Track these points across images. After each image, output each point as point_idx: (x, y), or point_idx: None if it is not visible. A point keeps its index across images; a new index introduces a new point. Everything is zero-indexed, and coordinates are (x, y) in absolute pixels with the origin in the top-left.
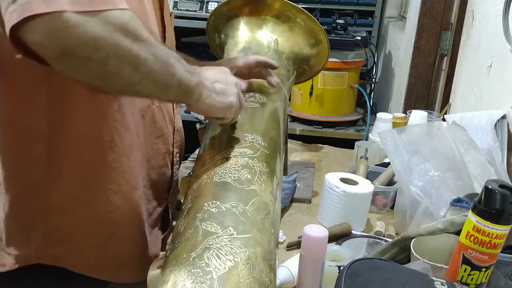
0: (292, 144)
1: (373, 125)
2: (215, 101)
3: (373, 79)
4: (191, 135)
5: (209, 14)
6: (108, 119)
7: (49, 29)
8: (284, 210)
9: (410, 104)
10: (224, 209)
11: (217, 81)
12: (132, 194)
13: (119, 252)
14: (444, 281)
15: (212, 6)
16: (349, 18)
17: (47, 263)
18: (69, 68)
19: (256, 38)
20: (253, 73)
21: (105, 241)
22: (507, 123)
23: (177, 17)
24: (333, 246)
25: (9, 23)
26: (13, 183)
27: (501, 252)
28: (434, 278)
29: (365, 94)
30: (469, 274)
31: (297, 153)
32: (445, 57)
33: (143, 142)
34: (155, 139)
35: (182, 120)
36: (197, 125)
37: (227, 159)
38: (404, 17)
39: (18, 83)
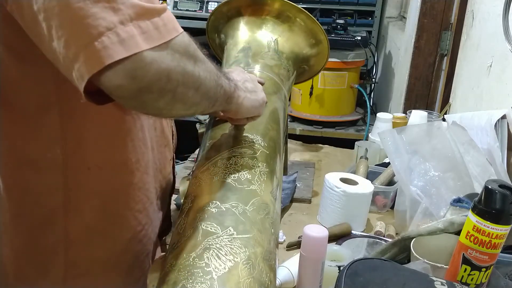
0: (292, 144)
1: (373, 125)
2: (251, 100)
3: (373, 79)
4: (191, 135)
5: (209, 14)
6: (134, 139)
7: (129, 70)
8: (284, 210)
9: (410, 104)
10: (224, 209)
11: (246, 80)
12: (150, 208)
13: (145, 272)
14: (444, 281)
15: (212, 6)
16: (349, 18)
17: None
18: (141, 104)
19: (256, 38)
20: None
21: (131, 265)
22: (507, 123)
23: (177, 17)
24: (333, 246)
25: (86, 72)
26: (25, 218)
27: (501, 252)
28: (434, 278)
29: (365, 94)
30: (469, 274)
31: (297, 153)
32: (445, 57)
33: (156, 154)
34: (163, 149)
35: (182, 121)
36: (197, 125)
37: (227, 159)
38: (404, 17)
39: (24, 113)
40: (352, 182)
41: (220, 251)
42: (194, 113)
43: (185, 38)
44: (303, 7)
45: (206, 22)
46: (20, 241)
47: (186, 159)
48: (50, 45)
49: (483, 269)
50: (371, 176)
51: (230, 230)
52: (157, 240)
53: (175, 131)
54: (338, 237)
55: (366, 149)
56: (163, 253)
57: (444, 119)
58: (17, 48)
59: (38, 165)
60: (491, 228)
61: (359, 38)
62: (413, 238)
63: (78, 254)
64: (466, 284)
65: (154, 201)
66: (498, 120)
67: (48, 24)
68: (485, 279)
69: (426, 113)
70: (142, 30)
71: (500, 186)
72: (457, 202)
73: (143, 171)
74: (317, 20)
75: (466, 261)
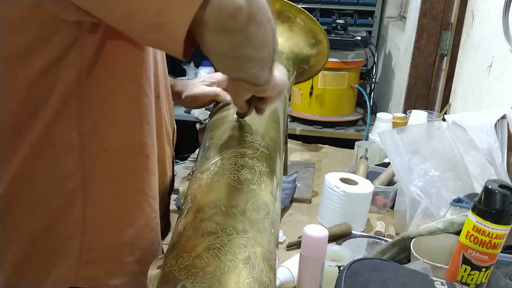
0: (292, 144)
1: (373, 125)
2: (280, 73)
3: (373, 79)
4: (191, 135)
5: None
6: (150, 123)
7: None
8: (284, 210)
9: (410, 104)
10: (224, 209)
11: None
12: (157, 199)
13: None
14: (444, 281)
15: None
16: (349, 18)
17: (83, 287)
18: (243, 40)
19: None
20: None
21: (145, 253)
22: (507, 123)
23: None
24: (333, 246)
25: (188, 11)
26: (45, 202)
27: (501, 252)
28: (434, 278)
29: (365, 94)
30: (469, 274)
31: (297, 153)
32: (445, 57)
33: (159, 148)
34: (164, 144)
35: (182, 121)
36: (197, 125)
37: (227, 159)
38: (404, 17)
39: (44, 97)
40: (352, 182)
41: (220, 251)
42: (257, 58)
43: None
44: (303, 7)
45: None
46: (38, 226)
47: (186, 159)
48: (130, 3)
49: (483, 269)
50: (371, 176)
51: (230, 230)
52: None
53: (176, 128)
54: (338, 237)
55: (366, 149)
56: (163, 253)
57: (444, 119)
58: (46, 35)
59: (56, 148)
60: (491, 228)
61: (359, 38)
62: (413, 238)
63: (94, 239)
64: (466, 284)
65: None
66: (498, 120)
67: None
68: (485, 279)
69: (426, 113)
70: None
71: (500, 186)
72: (457, 202)
73: (155, 156)
74: (317, 20)
75: (466, 261)
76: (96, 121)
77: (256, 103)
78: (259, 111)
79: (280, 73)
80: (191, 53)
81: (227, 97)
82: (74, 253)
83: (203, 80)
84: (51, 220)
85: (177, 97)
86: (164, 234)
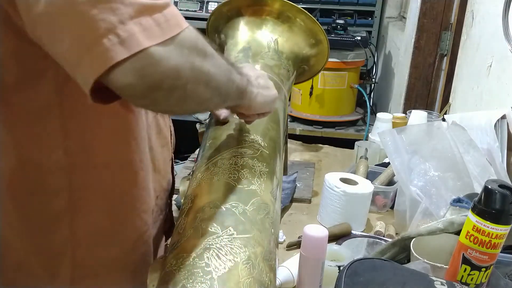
0: (292, 144)
1: (373, 125)
2: (264, 96)
3: (373, 79)
4: (191, 135)
5: (209, 14)
6: (137, 138)
7: (138, 68)
8: (284, 210)
9: (410, 104)
10: (224, 209)
11: (258, 76)
12: (154, 209)
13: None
14: (444, 281)
15: (212, 6)
16: (349, 18)
17: None
18: (152, 102)
19: (256, 38)
20: None
21: (138, 266)
22: (507, 123)
23: None
24: (333, 246)
25: (91, 75)
26: (31, 219)
27: (501, 252)
28: (434, 278)
29: (365, 94)
30: (469, 274)
31: (297, 153)
32: (445, 57)
33: (155, 154)
34: (161, 149)
35: (182, 121)
36: (197, 125)
37: (227, 159)
38: (404, 17)
39: (24, 115)
40: (352, 182)
41: (220, 251)
42: (207, 109)
43: (192, 33)
44: (303, 7)
45: (206, 22)
46: (28, 242)
47: (186, 159)
48: (54, 48)
49: (483, 269)
50: (371, 176)
51: (230, 230)
52: (163, 240)
53: (173, 131)
54: (338, 237)
55: (366, 149)
56: (163, 253)
57: (444, 119)
58: (17, 50)
59: (42, 167)
60: (491, 228)
61: (359, 38)
62: (413, 238)
63: (86, 255)
64: (466, 284)
65: (154, 201)
66: (498, 120)
67: (50, 27)
68: (485, 279)
69: (426, 113)
70: (143, 27)
71: (500, 186)
72: (457, 202)
73: (146, 170)
74: (317, 20)
75: (466, 261)
76: (82, 139)
77: (238, 115)
78: (247, 123)
79: (263, 97)
80: (113, 101)
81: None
82: (67, 269)
83: None
84: (39, 238)
85: None
86: (169, 234)
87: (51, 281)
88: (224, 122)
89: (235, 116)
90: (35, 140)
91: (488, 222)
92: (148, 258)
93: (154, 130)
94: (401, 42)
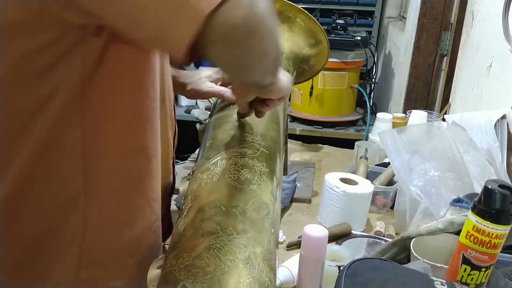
0: (292, 144)
1: (373, 125)
2: (285, 76)
3: (373, 79)
4: (191, 135)
5: None
6: (153, 127)
7: (248, 5)
8: (284, 210)
9: (410, 104)
10: (224, 209)
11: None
12: (159, 201)
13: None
14: (444, 281)
15: None
16: (349, 18)
17: None
18: (242, 53)
19: None
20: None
21: (146, 256)
22: (507, 123)
23: None
24: (333, 246)
25: (202, 10)
26: (47, 205)
27: (501, 252)
28: (434, 278)
29: (365, 94)
30: (469, 274)
31: (297, 153)
32: (445, 57)
33: (163, 151)
34: (164, 147)
35: (182, 120)
36: (197, 125)
37: (227, 159)
38: (404, 17)
39: (49, 103)
40: (352, 182)
41: (220, 251)
42: (260, 67)
43: None
44: (303, 7)
45: None
46: (40, 229)
47: (186, 159)
48: (126, 15)
49: (483, 269)
50: (371, 176)
51: (230, 230)
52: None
53: (177, 130)
54: (338, 237)
55: (366, 149)
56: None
57: (444, 119)
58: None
59: (58, 151)
60: (491, 228)
61: (359, 38)
62: (413, 238)
63: (94, 242)
64: (466, 284)
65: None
66: (498, 120)
67: None
68: (485, 279)
69: (426, 113)
70: None
71: (500, 186)
72: (457, 202)
73: (159, 159)
74: (317, 20)
75: (466, 261)
76: (99, 125)
77: (257, 105)
78: (259, 114)
79: (285, 78)
80: (195, 59)
81: (232, 97)
82: (74, 256)
83: (209, 76)
84: (52, 224)
85: (180, 88)
86: (166, 236)
87: (55, 269)
88: (228, 103)
89: (235, 116)
90: (53, 125)
91: (488, 222)
92: (156, 249)
93: (168, 117)
94: (401, 42)
